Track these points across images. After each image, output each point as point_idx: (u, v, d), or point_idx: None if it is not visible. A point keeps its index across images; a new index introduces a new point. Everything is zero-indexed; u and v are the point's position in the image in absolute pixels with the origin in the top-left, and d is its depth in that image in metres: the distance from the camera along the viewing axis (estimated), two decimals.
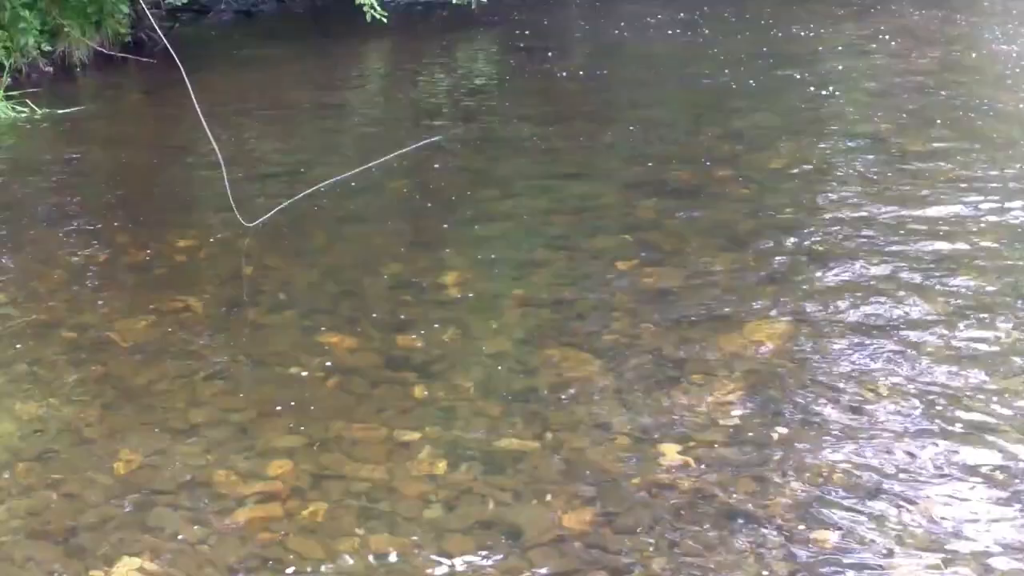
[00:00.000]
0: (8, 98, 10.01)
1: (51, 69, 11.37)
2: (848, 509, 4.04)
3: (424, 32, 13.80)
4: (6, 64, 10.60)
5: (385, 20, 12.41)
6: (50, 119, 9.84)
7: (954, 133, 8.73)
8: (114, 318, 5.84)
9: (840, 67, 11.47)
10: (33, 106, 9.94)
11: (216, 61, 12.51)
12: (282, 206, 7.16)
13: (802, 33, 13.04)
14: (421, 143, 7.20)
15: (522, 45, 13.07)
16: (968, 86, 10.34)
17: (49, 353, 5.47)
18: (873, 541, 3.86)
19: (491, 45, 13.39)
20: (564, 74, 11.77)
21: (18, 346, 5.54)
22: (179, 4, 12.27)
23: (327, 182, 7.56)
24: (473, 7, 13.11)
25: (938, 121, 9.13)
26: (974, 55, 11.83)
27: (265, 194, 7.73)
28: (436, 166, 8.50)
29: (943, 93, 10.04)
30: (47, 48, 11.34)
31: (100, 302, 6.10)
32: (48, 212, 7.70)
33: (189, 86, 7.23)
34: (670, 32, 13.22)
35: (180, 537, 3.99)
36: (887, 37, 12.63)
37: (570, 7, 15.27)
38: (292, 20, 14.93)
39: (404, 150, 7.12)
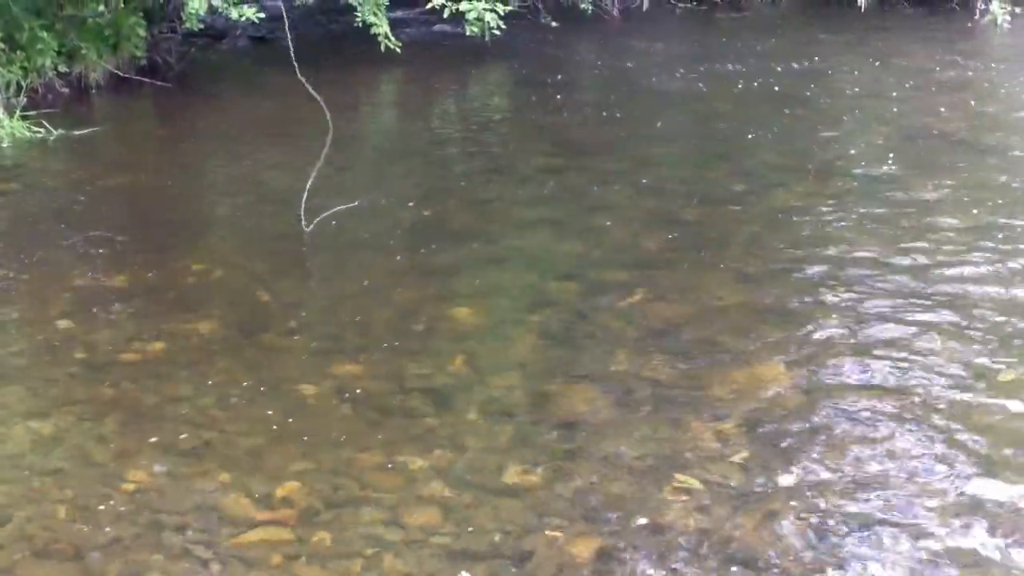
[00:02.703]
0: (24, 118, 10.09)
1: (67, 90, 11.45)
2: (854, 549, 4.07)
3: (437, 63, 13.89)
4: (23, 84, 10.69)
5: (399, 50, 12.51)
6: (65, 140, 9.92)
7: (964, 178, 8.76)
8: (125, 339, 5.88)
9: (852, 108, 11.53)
10: (48, 126, 10.01)
11: (230, 86, 12.63)
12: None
13: (815, 73, 13.12)
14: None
15: (534, 78, 13.15)
16: (980, 131, 10.39)
17: (60, 373, 5.52)
18: None
19: (503, 77, 13.49)
20: (575, 108, 11.85)
21: (29, 365, 5.59)
22: (194, 30, 12.34)
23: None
24: (486, 39, 13.20)
25: (949, 165, 9.17)
26: (987, 100, 11.88)
27: (276, 219, 7.78)
28: (446, 197, 8.56)
29: (955, 137, 10.09)
30: (63, 69, 11.42)
31: (111, 323, 6.14)
32: (61, 232, 7.74)
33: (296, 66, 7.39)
34: (682, 68, 13.30)
35: (189, 559, 4.02)
36: (900, 79, 12.70)
37: (582, 42, 15.37)
38: (306, 47, 14.93)
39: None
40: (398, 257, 7.21)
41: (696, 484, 4.48)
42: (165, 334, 5.91)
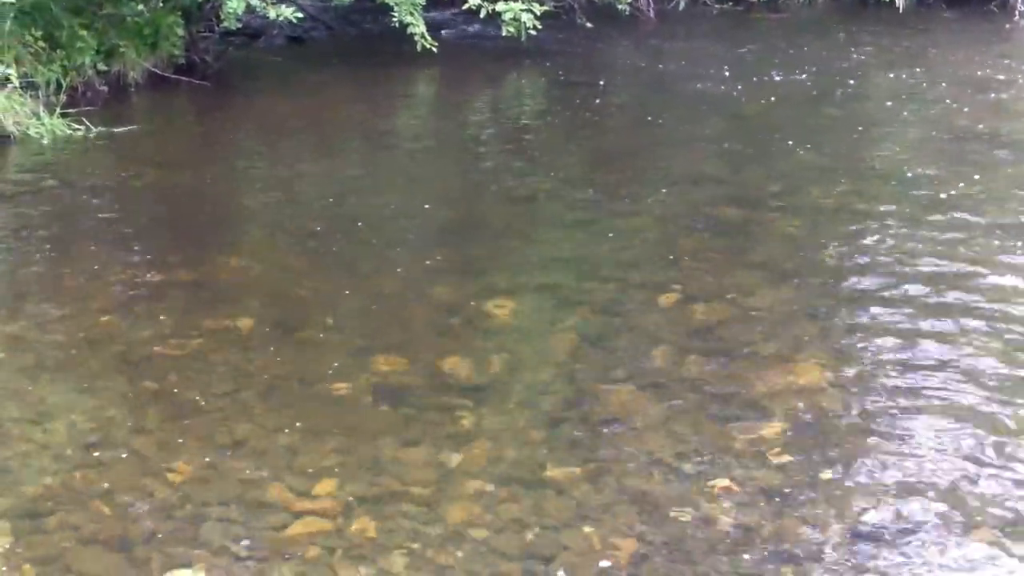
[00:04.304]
0: (64, 116, 10.17)
1: (106, 88, 11.52)
2: (893, 549, 4.05)
3: (472, 63, 13.90)
4: (63, 83, 10.78)
5: (435, 50, 12.54)
6: (104, 137, 9.99)
7: (1005, 178, 8.70)
8: (165, 335, 5.93)
9: (890, 109, 11.45)
10: (88, 124, 10.09)
11: (267, 85, 12.67)
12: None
13: (852, 74, 13.04)
14: None
15: (570, 79, 13.14)
16: (1019, 132, 10.30)
17: (101, 367, 5.57)
18: None
19: (539, 78, 13.47)
20: (611, 109, 11.83)
21: (71, 360, 5.65)
22: (232, 29, 12.41)
23: None
24: (522, 39, 13.21)
25: (988, 165, 9.10)
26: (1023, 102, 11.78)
27: (314, 216, 7.83)
28: (482, 195, 8.57)
29: (993, 138, 10.00)
30: (103, 68, 11.50)
31: (151, 319, 6.18)
32: (101, 229, 7.82)
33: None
34: (717, 69, 13.26)
35: (230, 551, 4.06)
36: (938, 80, 12.61)
37: (618, 43, 15.34)
38: (342, 47, 15.07)
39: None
40: (436, 255, 7.22)
41: (735, 485, 4.47)
42: (204, 330, 5.95)
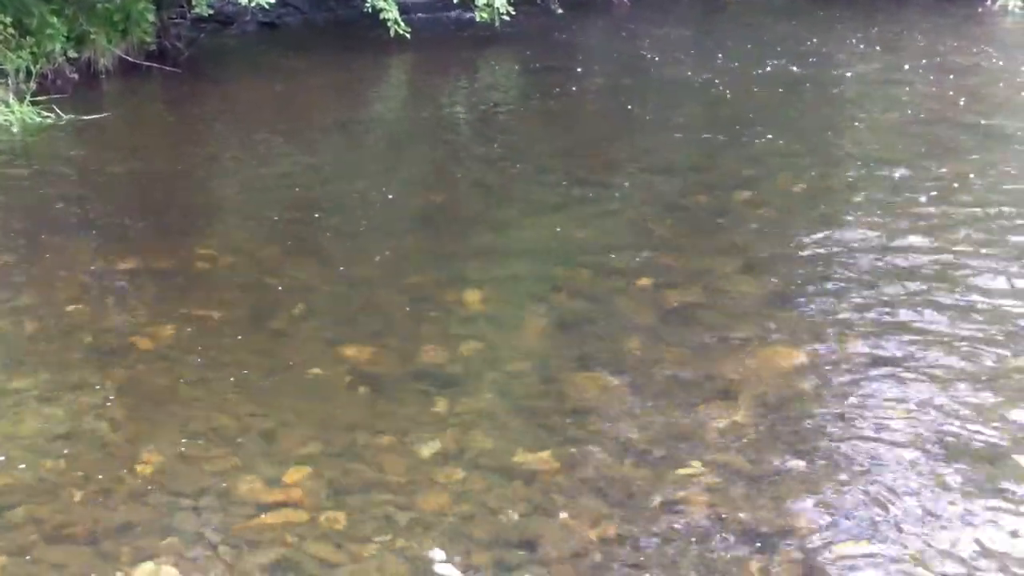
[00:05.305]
0: (34, 103, 10.11)
1: (76, 75, 11.45)
2: (863, 534, 4.07)
3: (446, 48, 13.88)
4: (33, 70, 10.70)
5: (408, 35, 12.52)
6: (75, 125, 9.92)
7: (974, 162, 8.75)
8: (137, 324, 5.90)
9: (862, 93, 11.51)
10: (59, 112, 10.03)
11: (239, 72, 12.62)
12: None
13: (824, 58, 13.09)
14: None
15: (543, 64, 13.14)
16: (989, 116, 10.37)
17: (72, 357, 5.53)
18: (891, 560, 3.89)
19: (512, 63, 13.46)
20: (584, 94, 11.83)
21: (41, 350, 5.61)
22: (204, 15, 12.35)
23: None
24: (496, 25, 13.19)
25: (959, 149, 9.16)
26: (996, 85, 11.84)
27: (287, 204, 7.79)
28: (456, 183, 8.56)
29: (964, 122, 10.07)
30: (73, 55, 11.42)
31: (123, 308, 6.16)
32: (71, 218, 7.77)
33: None
34: (691, 54, 13.28)
35: (201, 542, 4.04)
36: (910, 64, 12.67)
37: (591, 28, 15.34)
38: (315, 33, 15.03)
39: None
40: (408, 242, 7.21)
41: (707, 469, 4.49)
42: (176, 319, 5.91)
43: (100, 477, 4.43)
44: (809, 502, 4.28)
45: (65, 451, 4.62)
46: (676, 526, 4.13)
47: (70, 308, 6.09)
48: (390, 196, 8.04)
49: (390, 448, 4.65)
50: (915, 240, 6.99)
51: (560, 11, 15.28)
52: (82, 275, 6.60)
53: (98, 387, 5.20)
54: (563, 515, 4.19)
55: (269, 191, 8.31)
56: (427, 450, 4.64)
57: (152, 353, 5.55)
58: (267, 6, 12.13)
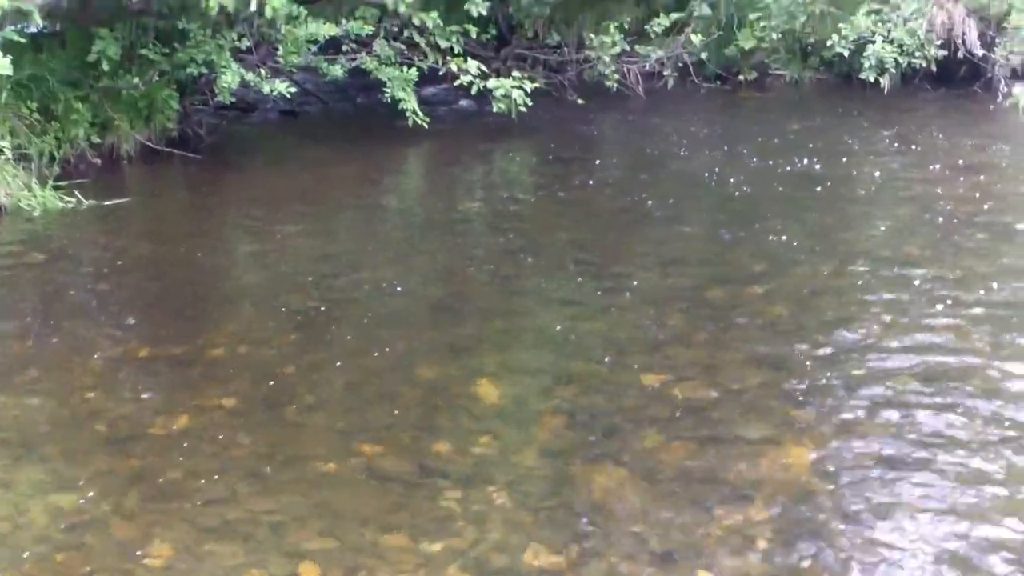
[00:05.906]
0: (56, 188, 10.23)
1: (99, 160, 11.60)
2: None
3: (463, 138, 14.03)
4: (56, 155, 10.86)
5: (426, 125, 12.68)
6: (96, 210, 10.04)
7: (991, 262, 8.76)
8: (150, 412, 5.92)
9: (875, 190, 11.56)
10: (80, 196, 10.14)
11: (259, 159, 12.77)
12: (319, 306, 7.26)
13: (837, 154, 13.17)
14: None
15: (559, 156, 13.26)
16: (1004, 214, 10.39)
17: (84, 445, 5.55)
18: None
19: (529, 154, 13.59)
20: (601, 187, 11.92)
21: (53, 437, 5.62)
22: (226, 103, 12.54)
23: None
24: (513, 116, 13.36)
25: (973, 248, 9.17)
26: (1011, 183, 11.89)
27: (302, 293, 7.85)
28: (470, 274, 8.61)
29: (979, 220, 10.09)
30: (96, 140, 11.59)
31: (136, 396, 6.18)
32: (89, 303, 7.84)
33: None
34: (705, 148, 13.39)
35: None
36: (923, 161, 12.73)
37: (607, 119, 15.50)
38: (335, 121, 15.23)
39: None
40: (423, 334, 7.24)
41: (720, 570, 4.45)
42: (190, 408, 5.94)
43: (111, 569, 4.42)
44: None
45: (75, 542, 4.62)
46: None
47: (85, 395, 6.12)
48: (405, 286, 8.09)
49: (401, 545, 4.64)
50: (931, 340, 6.97)
51: (580, 101, 15.46)
52: (97, 361, 6.64)
53: (111, 476, 5.21)
54: None
55: (286, 279, 8.37)
56: (437, 547, 4.62)
57: (165, 442, 5.56)
58: (288, 95, 12.32)
